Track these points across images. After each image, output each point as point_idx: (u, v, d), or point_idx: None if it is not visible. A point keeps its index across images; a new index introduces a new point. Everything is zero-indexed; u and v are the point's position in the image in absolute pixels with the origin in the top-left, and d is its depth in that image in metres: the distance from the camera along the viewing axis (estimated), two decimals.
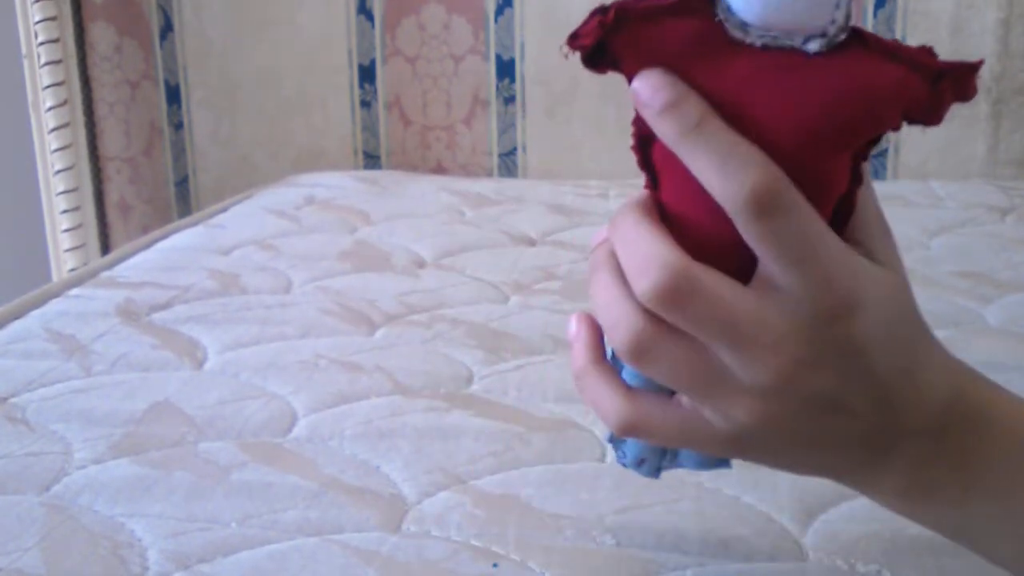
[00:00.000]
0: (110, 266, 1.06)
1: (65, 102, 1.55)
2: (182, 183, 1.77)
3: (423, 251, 1.12)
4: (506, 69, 1.65)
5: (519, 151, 1.69)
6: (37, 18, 1.51)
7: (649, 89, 0.37)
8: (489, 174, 1.70)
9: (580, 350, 0.44)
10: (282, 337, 0.85)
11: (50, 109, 1.54)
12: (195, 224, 1.25)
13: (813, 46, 0.36)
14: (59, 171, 1.57)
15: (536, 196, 1.38)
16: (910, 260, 1.06)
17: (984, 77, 1.54)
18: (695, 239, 0.38)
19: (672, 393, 0.42)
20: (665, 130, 0.37)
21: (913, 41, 1.54)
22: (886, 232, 0.41)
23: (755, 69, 0.36)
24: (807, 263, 0.37)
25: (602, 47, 0.37)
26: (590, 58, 0.37)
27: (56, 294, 0.96)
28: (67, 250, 1.60)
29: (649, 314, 0.39)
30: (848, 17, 0.36)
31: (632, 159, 0.40)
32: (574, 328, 0.45)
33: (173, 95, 1.73)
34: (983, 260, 1.07)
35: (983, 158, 1.57)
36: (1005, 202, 1.32)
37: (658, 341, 0.39)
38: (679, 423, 0.41)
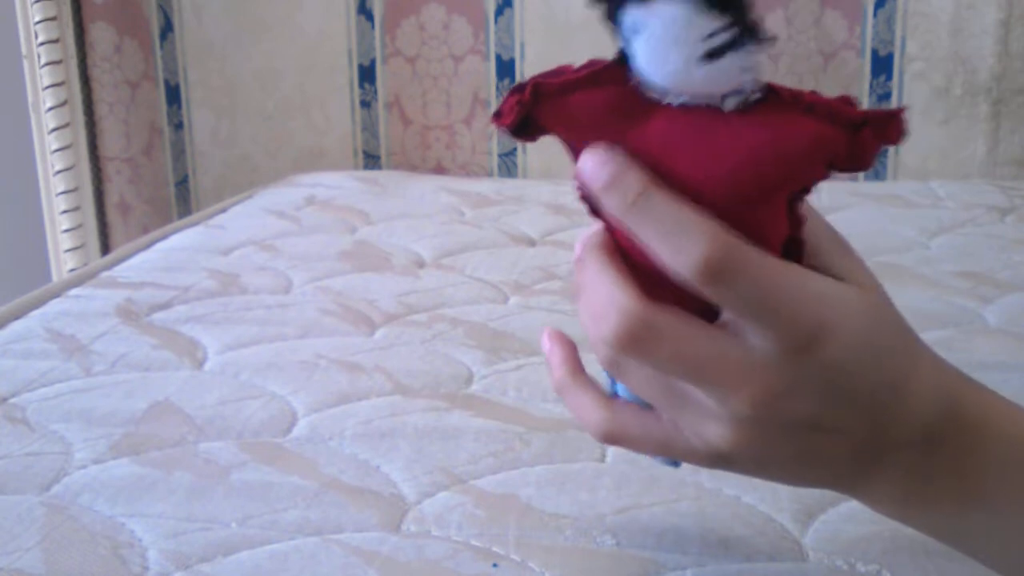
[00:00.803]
0: (110, 266, 1.06)
1: (65, 102, 1.55)
2: (182, 183, 1.77)
3: (423, 251, 1.12)
4: (506, 69, 1.65)
5: (519, 151, 1.69)
6: (37, 18, 1.51)
7: (590, 165, 0.38)
8: (489, 174, 1.70)
9: (557, 365, 0.45)
10: (282, 337, 0.85)
11: (50, 109, 1.54)
12: (195, 224, 1.25)
13: (730, 103, 0.36)
14: (59, 171, 1.57)
15: (536, 196, 1.38)
16: (910, 260, 1.06)
17: (984, 77, 1.54)
18: (656, 278, 0.38)
19: None
20: (610, 204, 0.37)
21: (913, 42, 1.55)
22: (844, 250, 0.41)
23: (676, 127, 0.37)
24: (768, 311, 0.36)
25: (527, 120, 0.38)
26: (517, 132, 0.39)
27: (56, 294, 0.96)
28: (67, 250, 1.60)
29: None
30: (758, 77, 0.36)
31: None
32: (547, 345, 0.46)
33: (173, 95, 1.73)
34: (983, 260, 1.07)
35: (983, 158, 1.57)
36: (1005, 202, 1.32)
37: (627, 360, 0.39)
38: (659, 436, 0.42)
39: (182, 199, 1.77)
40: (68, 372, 0.77)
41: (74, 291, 0.97)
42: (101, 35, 1.59)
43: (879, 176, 1.61)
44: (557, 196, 1.38)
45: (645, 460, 0.60)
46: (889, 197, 1.35)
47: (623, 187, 0.37)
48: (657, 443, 0.42)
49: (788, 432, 0.38)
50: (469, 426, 0.68)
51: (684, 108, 0.37)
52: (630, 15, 0.35)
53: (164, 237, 1.19)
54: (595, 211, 0.39)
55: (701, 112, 0.37)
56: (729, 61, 0.35)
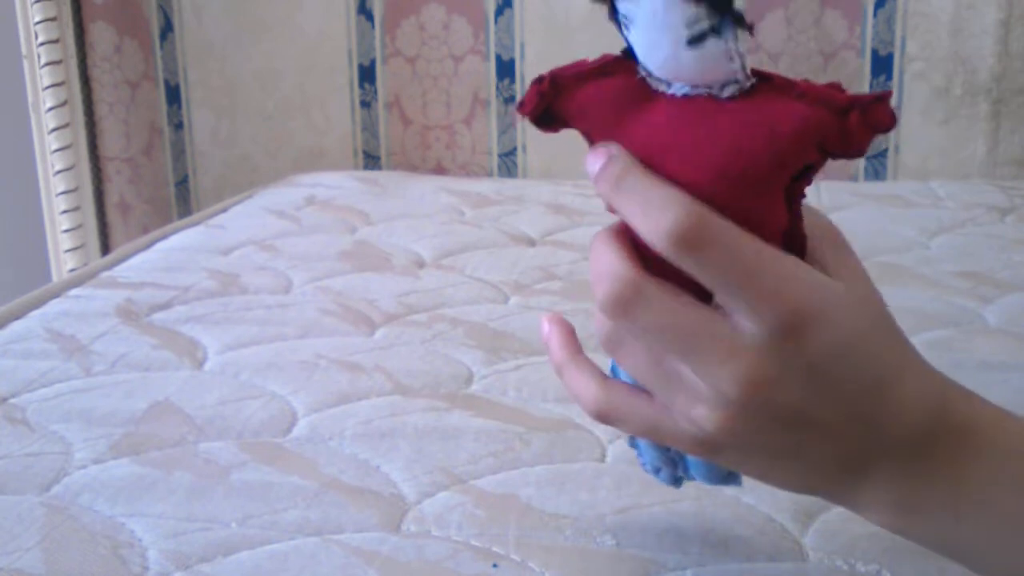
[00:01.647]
0: (110, 266, 1.06)
1: (65, 103, 1.55)
2: (182, 183, 1.77)
3: (423, 251, 1.12)
4: (506, 69, 1.65)
5: (519, 151, 1.69)
6: (37, 18, 1.51)
7: (590, 159, 0.41)
8: (489, 174, 1.70)
9: (555, 347, 0.47)
10: (282, 337, 0.85)
11: (50, 110, 1.54)
12: (195, 224, 1.25)
13: (726, 92, 0.38)
14: (59, 171, 1.57)
15: (536, 196, 1.38)
16: (910, 260, 1.06)
17: (984, 77, 1.54)
18: (660, 268, 0.40)
19: None
20: (601, 190, 0.40)
21: (913, 42, 1.55)
22: (840, 247, 0.41)
23: (676, 115, 0.39)
24: (749, 284, 0.37)
25: (549, 111, 0.42)
26: (539, 121, 0.42)
27: (56, 294, 0.96)
28: (67, 250, 1.60)
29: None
30: (746, 66, 0.38)
31: None
32: (546, 329, 0.48)
33: (173, 95, 1.73)
34: (983, 260, 1.07)
35: (983, 158, 1.57)
36: (1005, 202, 1.32)
37: (623, 334, 0.41)
38: (650, 417, 0.42)
39: (182, 199, 1.77)
40: (68, 372, 0.77)
41: (74, 291, 0.97)
42: (101, 35, 1.59)
43: (879, 176, 1.61)
44: (557, 196, 1.38)
45: None
46: (889, 197, 1.35)
47: (609, 171, 0.39)
48: (648, 424, 0.43)
49: (774, 423, 0.39)
50: (469, 426, 0.68)
51: (686, 97, 0.39)
52: (622, 8, 0.38)
53: (164, 237, 1.19)
54: (611, 206, 0.41)
55: (701, 100, 0.39)
56: (712, 45, 0.37)
